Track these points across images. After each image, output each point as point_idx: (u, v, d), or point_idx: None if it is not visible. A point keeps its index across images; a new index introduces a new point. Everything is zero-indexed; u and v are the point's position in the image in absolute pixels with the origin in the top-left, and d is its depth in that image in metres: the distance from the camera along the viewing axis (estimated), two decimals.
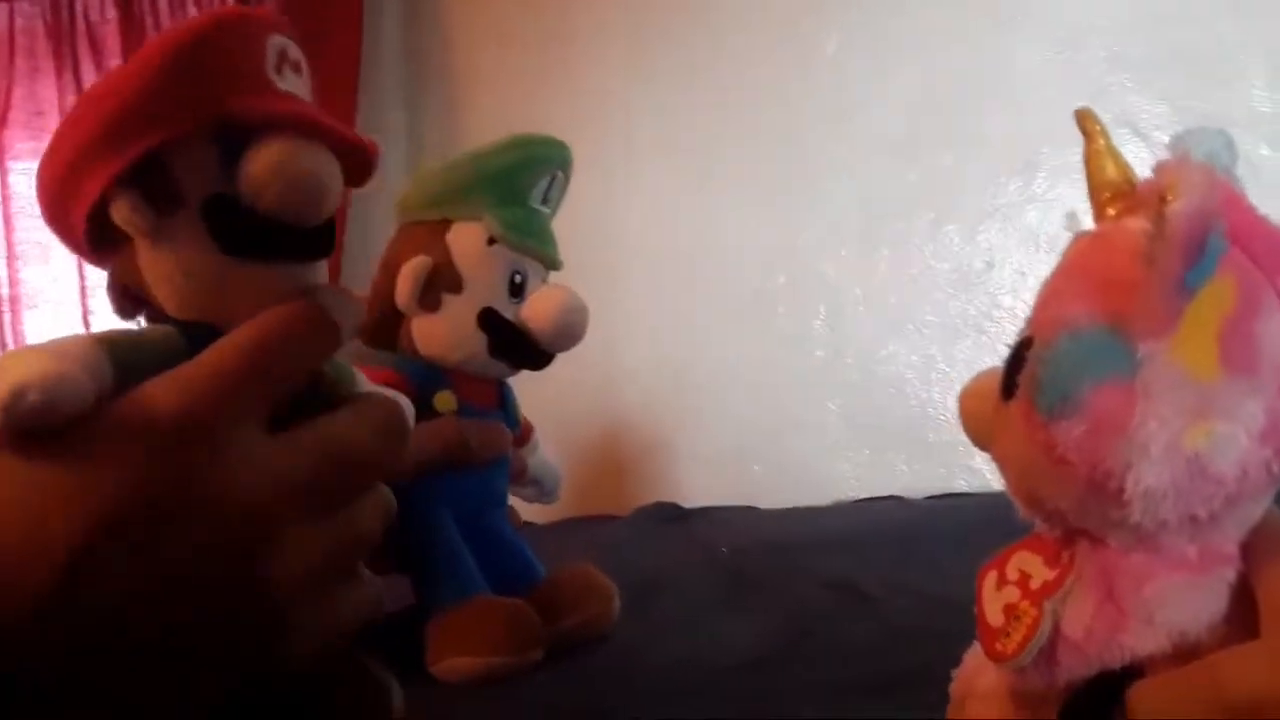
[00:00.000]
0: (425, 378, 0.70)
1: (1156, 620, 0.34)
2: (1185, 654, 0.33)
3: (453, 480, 0.69)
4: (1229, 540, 0.34)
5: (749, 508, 1.31)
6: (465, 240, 0.71)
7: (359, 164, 0.40)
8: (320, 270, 0.40)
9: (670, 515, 1.27)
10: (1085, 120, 0.38)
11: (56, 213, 0.38)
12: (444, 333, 0.71)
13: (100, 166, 0.36)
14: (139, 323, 0.40)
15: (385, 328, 0.72)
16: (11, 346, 1.72)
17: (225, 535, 0.33)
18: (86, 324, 1.71)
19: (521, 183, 0.72)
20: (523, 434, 0.82)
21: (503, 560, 0.72)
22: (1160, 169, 0.35)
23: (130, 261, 0.38)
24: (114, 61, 1.72)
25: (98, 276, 1.45)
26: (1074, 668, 0.35)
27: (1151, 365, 0.31)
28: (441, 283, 0.71)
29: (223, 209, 0.37)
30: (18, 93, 1.73)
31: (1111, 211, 0.36)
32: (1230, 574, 0.33)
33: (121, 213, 0.37)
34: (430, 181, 0.75)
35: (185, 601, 0.33)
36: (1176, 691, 0.32)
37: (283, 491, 0.34)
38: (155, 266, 0.38)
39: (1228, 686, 0.30)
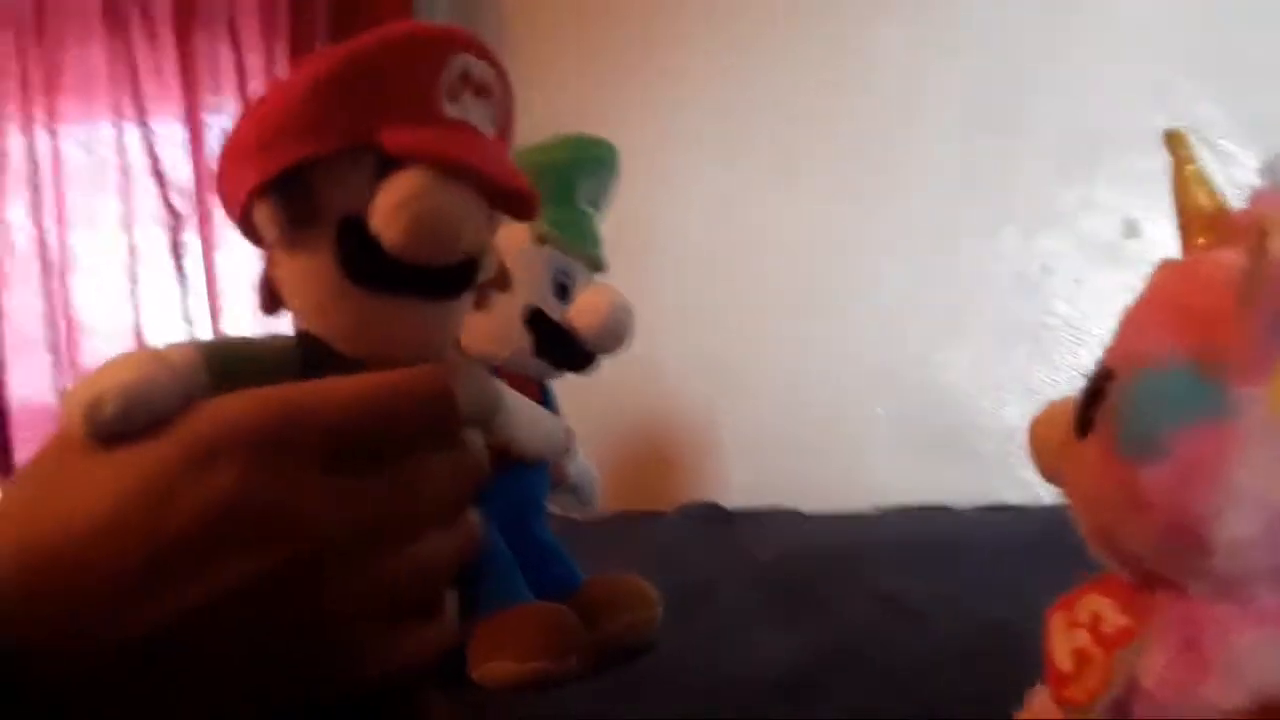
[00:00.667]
0: None
1: (1241, 675, 0.32)
2: (1270, 712, 0.31)
3: (495, 483, 0.69)
4: None
5: (794, 511, 1.30)
6: (514, 239, 0.70)
7: (517, 203, 0.39)
8: (458, 309, 0.40)
9: (714, 516, 1.26)
10: (1176, 143, 0.36)
11: (226, 206, 0.39)
12: (490, 330, 0.71)
13: (248, 172, 0.36)
14: (272, 323, 0.40)
15: None
16: (59, 312, 1.74)
17: (283, 565, 0.33)
18: (133, 293, 1.72)
19: (571, 183, 0.72)
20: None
21: (543, 565, 0.71)
22: (1256, 200, 0.33)
23: (274, 264, 0.38)
24: (165, 29, 1.72)
25: (147, 244, 1.46)
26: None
27: (1246, 410, 0.29)
28: (490, 281, 0.71)
29: (354, 233, 0.36)
30: (68, 59, 1.74)
31: (1202, 241, 0.35)
32: None
33: (260, 218, 0.36)
34: None
35: (241, 626, 0.33)
36: None
37: (348, 528, 0.34)
38: (288, 275, 0.38)
39: None
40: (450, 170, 0.35)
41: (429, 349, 0.39)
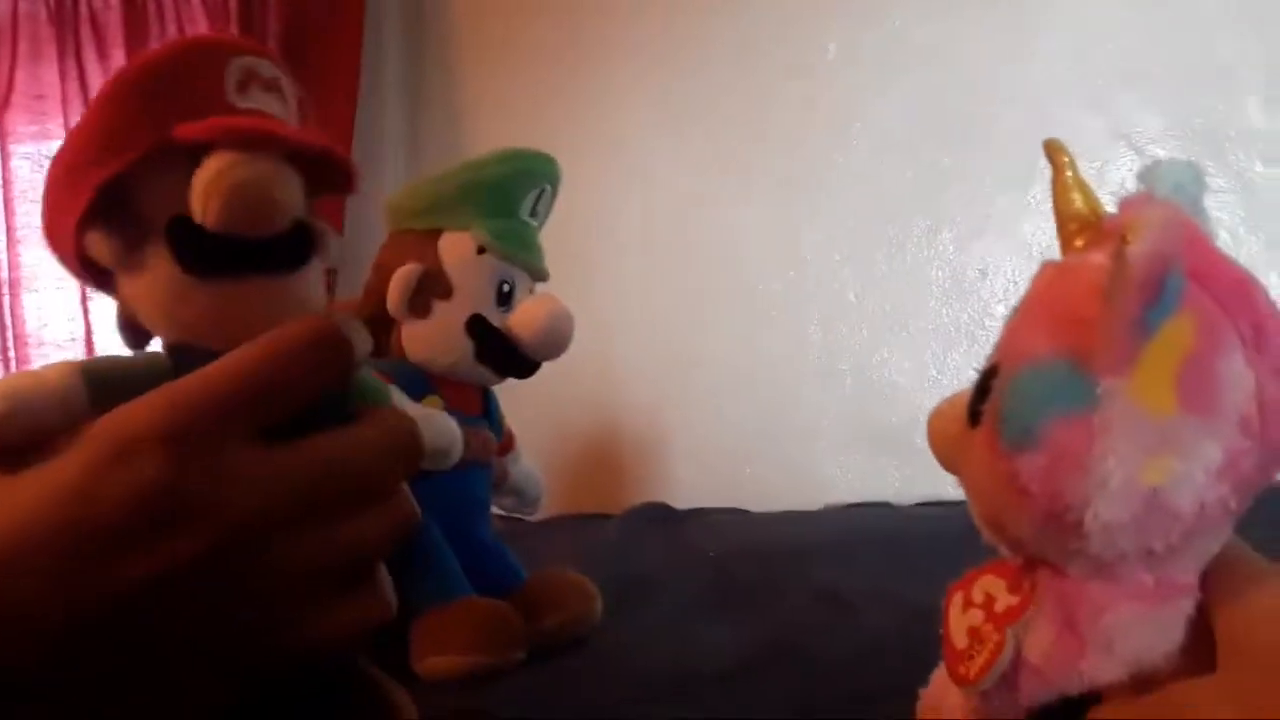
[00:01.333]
0: (411, 382, 0.70)
1: (1115, 649, 0.34)
2: (1142, 683, 0.33)
3: (435, 484, 0.70)
4: (1187, 572, 0.34)
5: (740, 510, 1.32)
6: (456, 249, 0.73)
7: (339, 173, 0.40)
8: (304, 282, 0.40)
9: (661, 516, 1.27)
10: (1054, 152, 0.38)
11: (59, 254, 0.40)
12: (432, 338, 0.73)
13: (69, 204, 0.37)
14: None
15: (375, 332, 0.73)
16: (10, 330, 1.73)
17: (211, 546, 0.33)
18: (85, 308, 1.71)
19: (512, 195, 0.74)
20: (506, 442, 0.83)
21: (484, 564, 0.73)
22: (1124, 205, 0.35)
23: (120, 293, 0.39)
24: (116, 47, 1.73)
25: None
26: (1034, 693, 0.36)
27: (1110, 402, 0.31)
28: (432, 289, 0.73)
29: (183, 230, 0.37)
30: (20, 76, 1.74)
31: (1079, 244, 0.37)
32: (1188, 605, 0.34)
33: (94, 248, 0.38)
34: (423, 191, 0.76)
35: (176, 606, 0.33)
36: (1136, 718, 0.33)
37: (274, 504, 0.34)
38: (135, 294, 0.39)
39: (1188, 717, 0.31)
40: (248, 141, 0.36)
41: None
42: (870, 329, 1.50)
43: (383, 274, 0.74)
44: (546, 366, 0.77)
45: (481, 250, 0.73)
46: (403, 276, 0.72)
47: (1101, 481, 0.32)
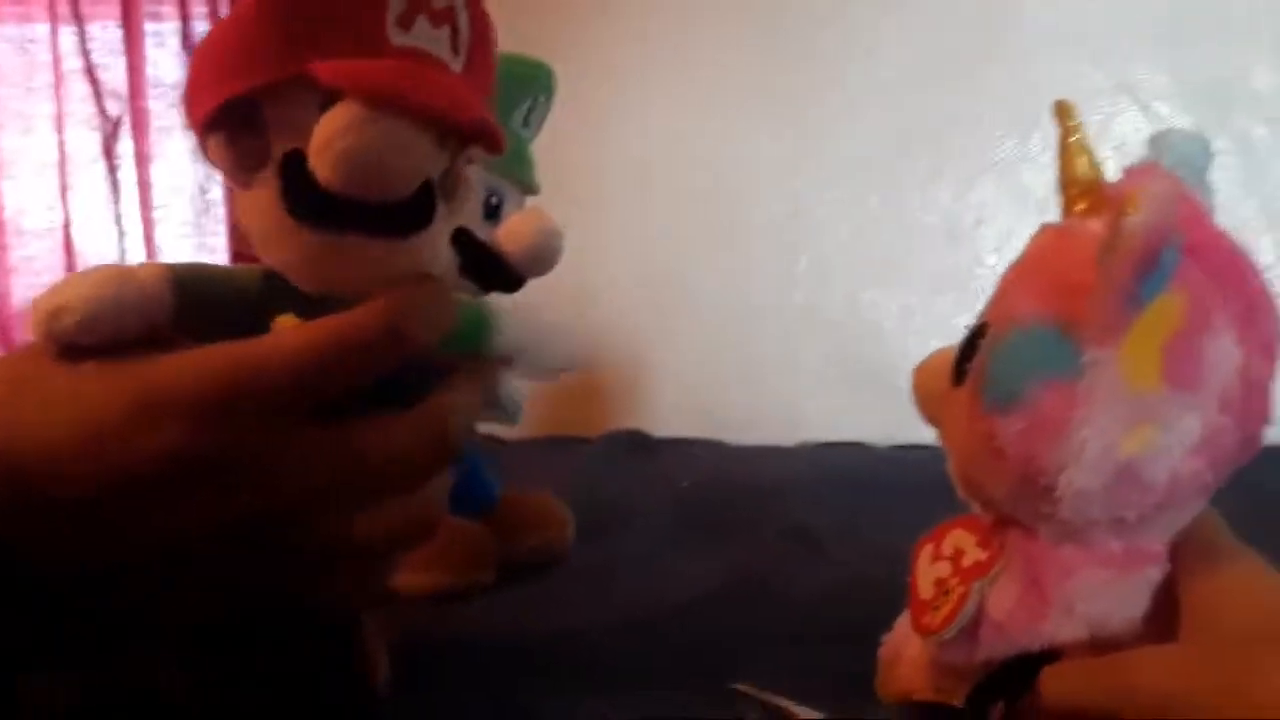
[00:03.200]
0: None
1: (1076, 610, 0.35)
2: (1102, 646, 0.34)
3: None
4: (1156, 541, 0.35)
5: (717, 442, 1.33)
6: None
7: (475, 137, 0.38)
8: (416, 247, 0.38)
9: (638, 444, 1.28)
10: (1063, 113, 0.38)
11: (195, 132, 0.38)
12: None
13: (200, 104, 0.36)
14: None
15: None
16: None
17: (251, 509, 0.34)
18: (64, 198, 1.68)
19: (504, 103, 0.71)
20: None
21: (462, 481, 0.73)
22: (1128, 174, 0.35)
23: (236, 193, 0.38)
24: None
25: (78, 148, 1.42)
26: (994, 648, 0.37)
27: (1095, 371, 0.32)
28: None
29: (295, 170, 0.35)
30: None
31: (1080, 208, 0.37)
32: (1155, 574, 0.35)
33: (212, 152, 0.36)
34: None
35: (216, 549, 0.34)
36: (1085, 679, 0.33)
37: (312, 484, 0.35)
38: (243, 210, 0.37)
39: (1135, 683, 0.32)
40: (382, 102, 0.33)
41: (376, 283, 0.37)
42: (860, 270, 1.50)
43: None
44: (528, 286, 0.75)
45: (468, 160, 0.72)
46: None
47: (1078, 449, 0.32)
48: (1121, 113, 1.37)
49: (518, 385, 0.85)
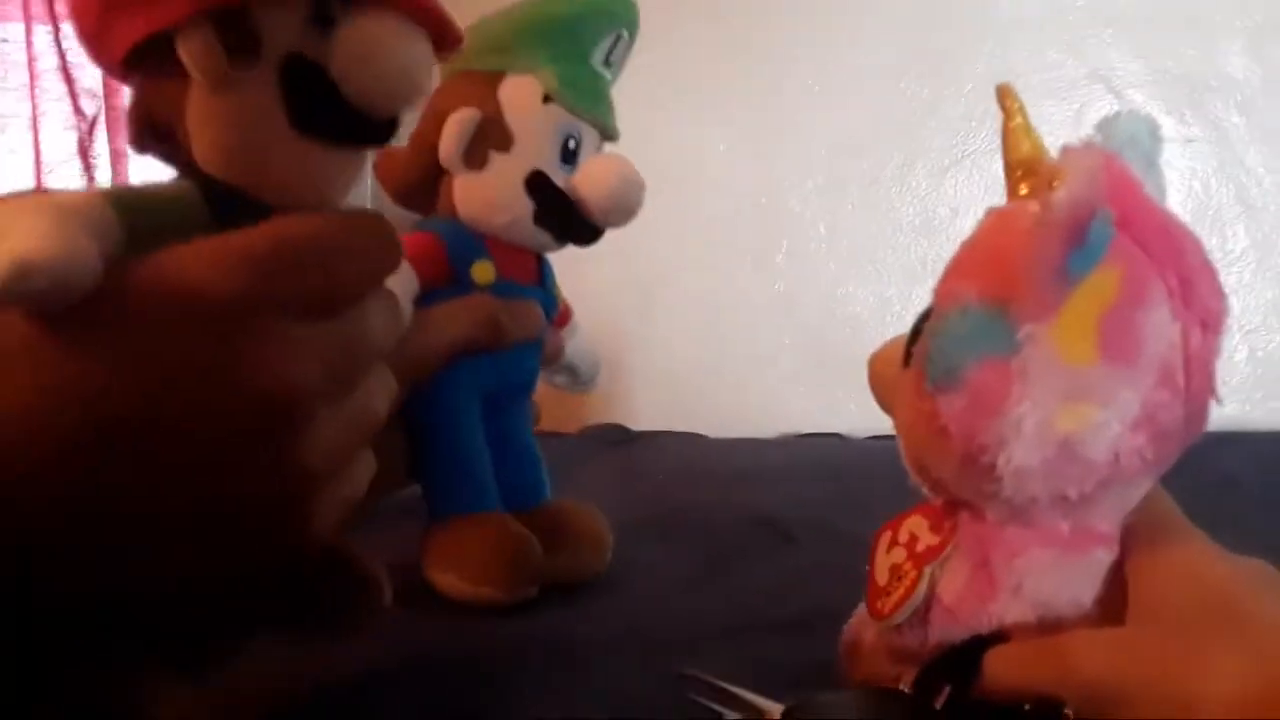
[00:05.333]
0: (462, 243, 0.64)
1: (1023, 591, 0.35)
2: (1049, 628, 0.34)
3: (479, 361, 0.63)
4: (1105, 521, 0.35)
5: (695, 435, 1.33)
6: (519, 95, 0.64)
7: (450, 36, 0.37)
8: (363, 158, 0.38)
9: (617, 438, 1.28)
10: (1005, 97, 0.38)
11: (101, 13, 0.34)
12: (488, 193, 0.64)
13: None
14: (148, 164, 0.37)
15: (425, 185, 0.66)
16: None
17: (259, 420, 0.33)
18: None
19: (585, 38, 0.66)
20: (561, 315, 0.76)
21: (513, 467, 0.67)
22: (1063, 152, 0.35)
23: (177, 97, 0.34)
24: None
25: (53, 148, 1.38)
26: (945, 630, 0.37)
27: (1029, 347, 0.32)
28: (490, 139, 0.64)
29: (303, 75, 0.33)
30: None
31: (1023, 190, 0.37)
32: (1105, 556, 0.35)
33: (191, 49, 0.33)
34: (486, 29, 0.66)
35: (216, 479, 0.33)
36: (1026, 660, 0.33)
37: (312, 377, 0.34)
38: (207, 115, 0.34)
39: (1074, 665, 0.31)
40: (420, 14, 0.33)
41: (338, 196, 0.37)
42: (837, 261, 1.50)
43: (435, 120, 0.64)
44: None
45: (547, 99, 0.64)
46: (458, 122, 0.63)
47: (1015, 425, 0.32)
48: (1095, 101, 1.38)
49: (593, 351, 0.80)
